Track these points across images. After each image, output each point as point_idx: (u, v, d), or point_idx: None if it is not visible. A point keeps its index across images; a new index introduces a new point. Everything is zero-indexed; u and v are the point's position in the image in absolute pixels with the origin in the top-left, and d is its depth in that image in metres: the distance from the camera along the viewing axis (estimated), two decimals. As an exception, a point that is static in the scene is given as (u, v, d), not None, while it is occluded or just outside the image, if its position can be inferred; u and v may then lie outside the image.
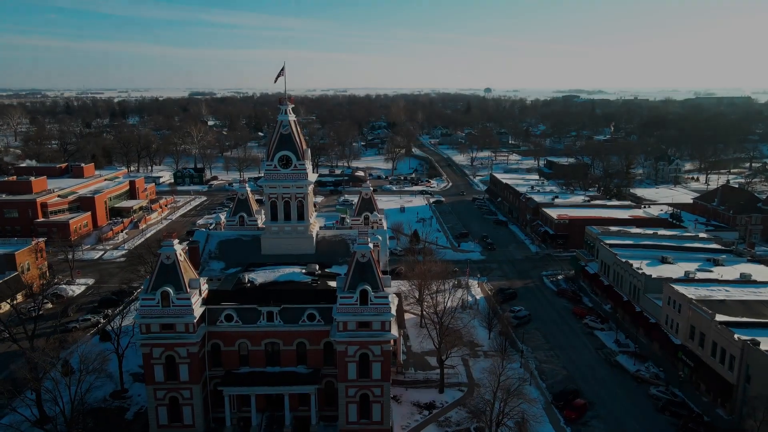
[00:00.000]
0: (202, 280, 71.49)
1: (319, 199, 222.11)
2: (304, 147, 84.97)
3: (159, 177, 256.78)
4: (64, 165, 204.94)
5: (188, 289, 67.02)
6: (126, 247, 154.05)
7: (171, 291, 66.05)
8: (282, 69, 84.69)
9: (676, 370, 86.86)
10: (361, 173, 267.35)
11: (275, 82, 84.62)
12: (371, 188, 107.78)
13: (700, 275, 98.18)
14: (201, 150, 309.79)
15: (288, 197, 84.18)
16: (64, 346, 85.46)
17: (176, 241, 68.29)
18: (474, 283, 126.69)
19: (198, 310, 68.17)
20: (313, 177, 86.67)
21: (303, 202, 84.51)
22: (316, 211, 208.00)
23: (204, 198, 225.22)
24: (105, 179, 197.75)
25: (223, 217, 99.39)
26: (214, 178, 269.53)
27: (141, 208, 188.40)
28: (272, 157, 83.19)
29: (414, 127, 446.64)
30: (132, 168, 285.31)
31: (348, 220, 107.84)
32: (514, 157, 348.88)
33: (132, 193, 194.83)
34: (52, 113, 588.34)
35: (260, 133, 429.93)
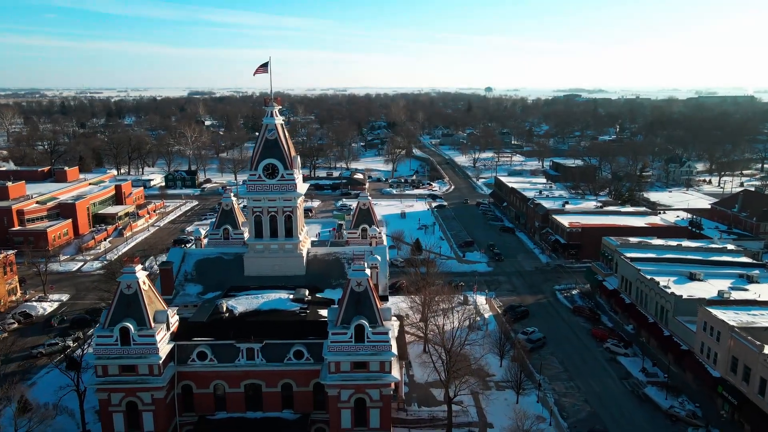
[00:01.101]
0: (171, 311, 61.33)
1: (316, 203, 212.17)
2: (293, 154, 74.90)
3: (150, 180, 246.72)
4: (46, 168, 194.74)
5: (152, 324, 56.94)
6: (107, 258, 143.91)
7: (132, 327, 55.97)
8: (266, 64, 74.47)
9: (715, 408, 76.74)
10: (360, 176, 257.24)
11: (254, 75, 74.35)
12: (369, 197, 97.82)
13: (735, 295, 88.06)
14: (196, 151, 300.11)
15: (274, 211, 74.14)
16: (21, 378, 75.39)
17: (139, 267, 58.10)
18: (481, 299, 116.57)
19: (165, 348, 58.09)
20: (303, 188, 76.65)
21: (291, 216, 74.49)
22: (312, 216, 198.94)
23: (195, 202, 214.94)
24: (89, 183, 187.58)
25: (203, 231, 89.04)
26: (208, 180, 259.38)
27: (127, 215, 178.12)
28: (256, 165, 73.15)
29: (414, 127, 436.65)
30: (122, 170, 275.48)
31: (344, 233, 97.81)
32: (517, 158, 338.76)
33: (118, 198, 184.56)
34: (47, 113, 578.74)
35: (257, 133, 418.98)
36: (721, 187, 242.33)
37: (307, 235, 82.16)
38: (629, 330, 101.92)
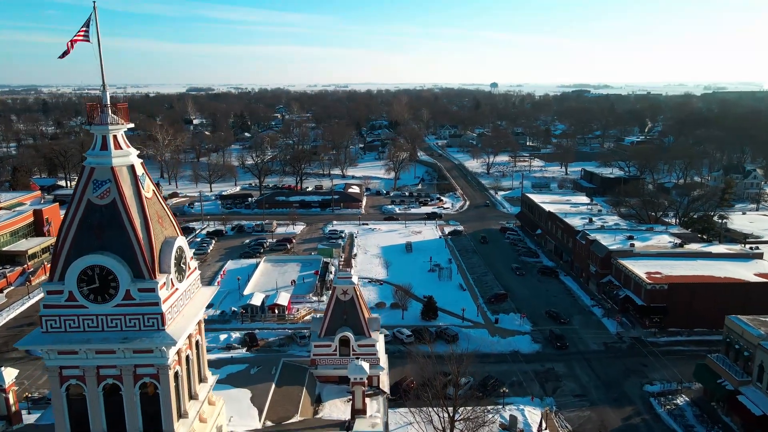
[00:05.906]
0: None
1: (299, 227, 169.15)
2: (164, 235, 31.73)
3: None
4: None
5: None
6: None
7: None
8: (88, 22, 30.98)
9: None
10: (355, 189, 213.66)
11: (67, 51, 31.23)
12: (354, 279, 54.60)
13: None
14: (173, 155, 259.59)
15: (114, 375, 30.99)
16: None
17: None
18: (535, 416, 73.49)
19: None
20: (189, 319, 33.30)
21: (157, 388, 31.29)
22: (291, 248, 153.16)
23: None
24: (1, 208, 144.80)
25: (10, 374, 44.73)
26: (174, 194, 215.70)
27: (47, 250, 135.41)
28: (61, 270, 30.04)
29: (419, 126, 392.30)
30: (73, 183, 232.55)
31: (311, 346, 55.07)
32: (536, 162, 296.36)
33: (38, 228, 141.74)
34: (28, 111, 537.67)
35: (246, 134, 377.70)
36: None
37: (219, 405, 38.46)
38: (811, 506, 58.92)
